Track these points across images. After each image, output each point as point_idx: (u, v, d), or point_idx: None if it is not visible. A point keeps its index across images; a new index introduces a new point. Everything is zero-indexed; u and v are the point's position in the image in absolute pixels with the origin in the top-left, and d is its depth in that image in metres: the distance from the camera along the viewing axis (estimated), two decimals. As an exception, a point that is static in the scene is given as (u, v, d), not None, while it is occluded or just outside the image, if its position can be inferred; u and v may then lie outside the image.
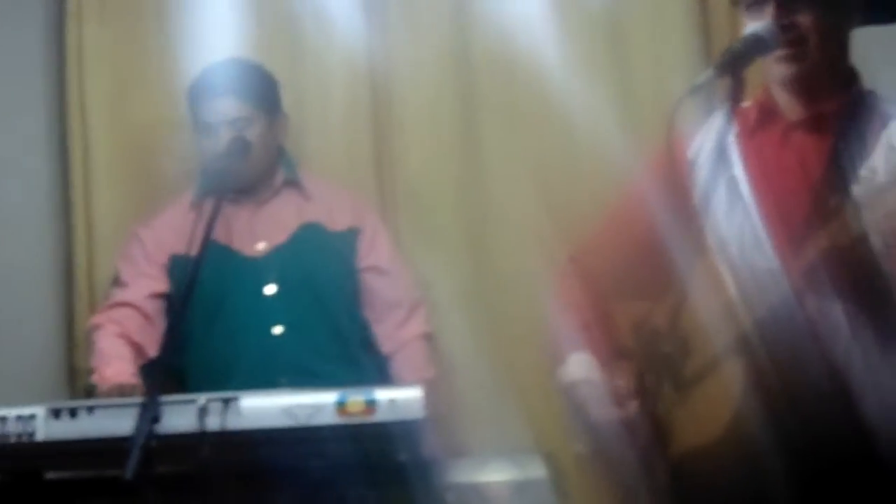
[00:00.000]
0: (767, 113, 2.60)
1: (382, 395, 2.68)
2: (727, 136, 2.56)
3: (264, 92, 3.58)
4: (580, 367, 2.65)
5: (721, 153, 2.57)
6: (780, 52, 2.49)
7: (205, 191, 3.52)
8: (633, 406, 2.50)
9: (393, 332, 3.61)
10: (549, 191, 3.70)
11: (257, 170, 3.57)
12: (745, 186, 2.56)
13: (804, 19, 2.49)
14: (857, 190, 2.37)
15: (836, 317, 2.40)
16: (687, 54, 3.69)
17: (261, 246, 3.55)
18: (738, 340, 2.37)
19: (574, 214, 3.42)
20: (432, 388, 2.77)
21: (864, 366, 2.39)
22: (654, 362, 2.39)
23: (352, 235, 3.61)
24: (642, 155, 2.75)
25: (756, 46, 2.47)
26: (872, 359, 2.39)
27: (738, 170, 2.57)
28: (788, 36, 2.48)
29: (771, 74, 2.56)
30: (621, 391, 2.55)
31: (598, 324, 2.70)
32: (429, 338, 3.64)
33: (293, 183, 3.63)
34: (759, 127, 2.60)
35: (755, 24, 2.49)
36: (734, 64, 2.43)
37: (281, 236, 3.57)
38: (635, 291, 2.65)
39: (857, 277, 2.34)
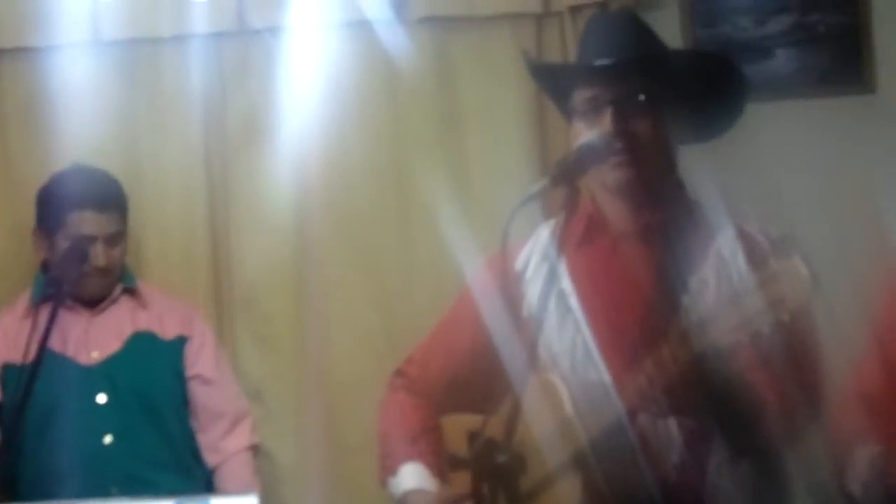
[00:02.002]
0: (595, 224, 2.62)
1: (217, 504, 2.68)
2: (554, 249, 2.56)
3: (125, 205, 3.57)
4: (412, 477, 2.66)
5: (549, 266, 2.58)
6: (616, 159, 2.50)
7: (42, 297, 3.46)
8: None
9: (216, 442, 3.59)
10: (385, 299, 3.74)
11: (111, 284, 3.55)
12: (574, 300, 2.58)
13: (641, 127, 2.51)
14: (687, 301, 2.40)
15: (669, 432, 2.45)
16: (523, 164, 3.71)
17: (95, 354, 3.51)
18: (573, 456, 2.38)
19: (410, 323, 3.46)
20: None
21: (704, 481, 2.44)
22: (488, 473, 2.40)
23: (180, 344, 3.59)
24: (476, 265, 2.76)
25: (589, 156, 2.45)
26: (714, 475, 2.44)
27: (567, 283, 2.59)
28: (626, 142, 2.49)
29: (605, 182, 2.56)
30: (453, 499, 2.55)
31: (428, 435, 2.70)
32: (254, 450, 3.63)
33: (130, 290, 3.61)
34: (587, 238, 2.62)
35: (590, 133, 2.49)
36: (568, 174, 2.41)
37: (114, 345, 3.53)
38: (467, 403, 2.65)
39: (694, 392, 2.35)
